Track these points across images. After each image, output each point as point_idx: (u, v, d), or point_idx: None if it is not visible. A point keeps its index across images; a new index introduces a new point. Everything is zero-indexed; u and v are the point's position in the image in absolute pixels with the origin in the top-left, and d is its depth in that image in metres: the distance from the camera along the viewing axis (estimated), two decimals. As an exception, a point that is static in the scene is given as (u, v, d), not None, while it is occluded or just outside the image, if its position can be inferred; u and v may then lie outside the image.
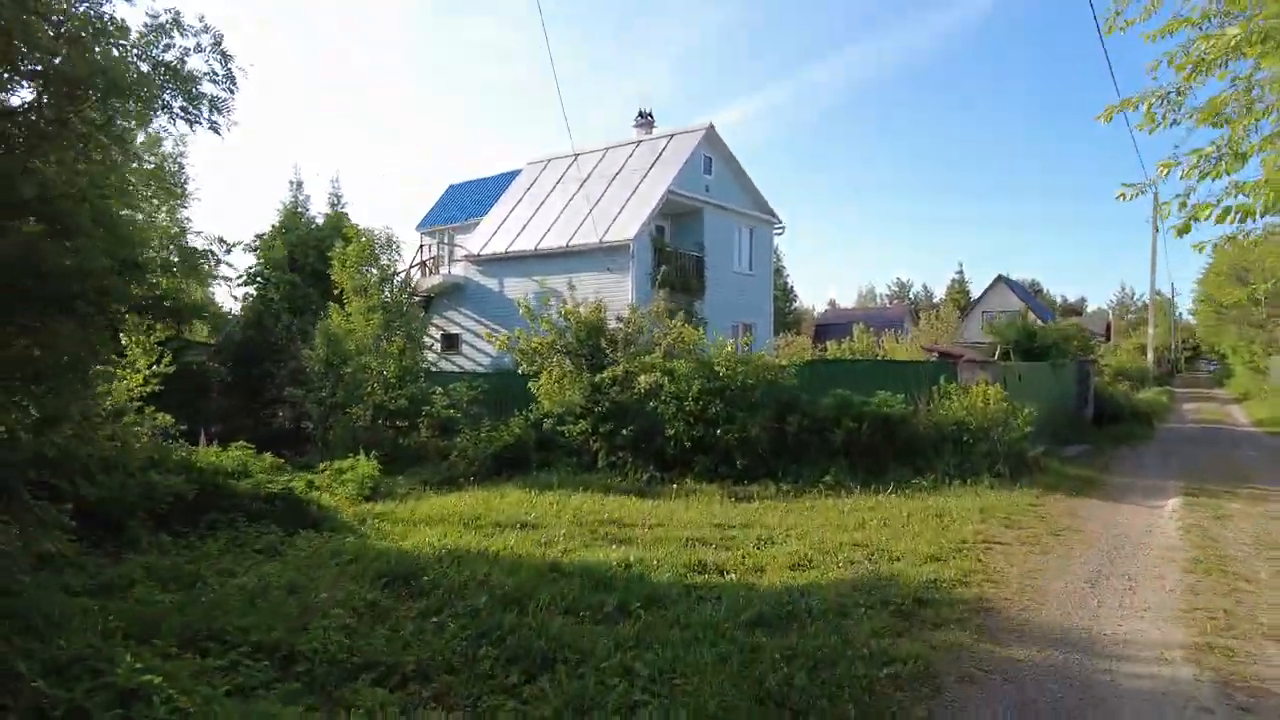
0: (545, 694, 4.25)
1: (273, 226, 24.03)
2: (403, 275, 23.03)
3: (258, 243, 23.53)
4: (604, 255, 21.74)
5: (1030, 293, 72.02)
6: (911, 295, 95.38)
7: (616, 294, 20.28)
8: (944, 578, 6.39)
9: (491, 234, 25.64)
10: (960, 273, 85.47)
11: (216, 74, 5.27)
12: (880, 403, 12.82)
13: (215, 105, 5.36)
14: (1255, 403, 31.06)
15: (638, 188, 22.91)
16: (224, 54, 5.27)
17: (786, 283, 64.88)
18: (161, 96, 5.20)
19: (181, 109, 5.30)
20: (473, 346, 25.20)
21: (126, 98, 5.05)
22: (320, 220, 25.14)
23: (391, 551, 7.64)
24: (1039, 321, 25.02)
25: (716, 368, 12.98)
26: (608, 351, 14.00)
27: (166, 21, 5.41)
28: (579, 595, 6.06)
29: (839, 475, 12.07)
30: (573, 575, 6.67)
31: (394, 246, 17.90)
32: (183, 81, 5.22)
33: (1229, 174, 5.84)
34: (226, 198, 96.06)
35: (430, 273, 27.38)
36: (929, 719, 4.05)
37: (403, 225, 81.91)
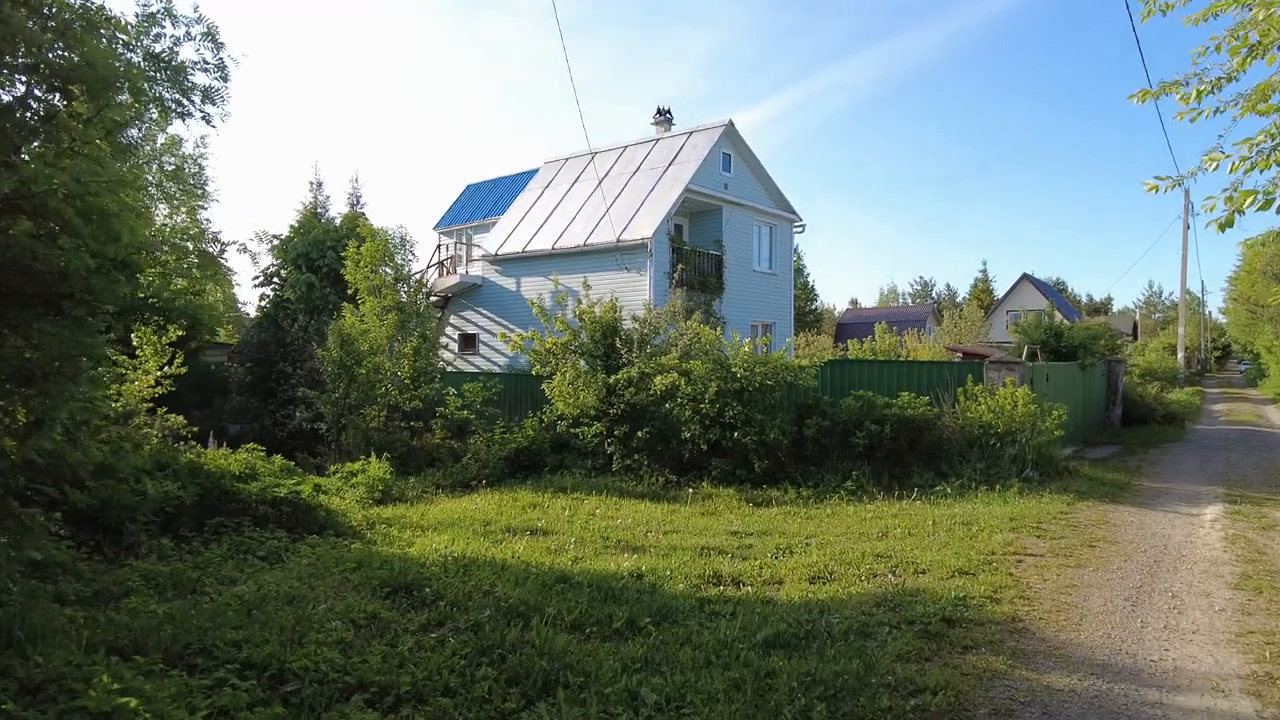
0: (543, 721, 3.98)
1: (291, 227, 24.02)
2: (418, 275, 22.91)
3: (275, 243, 23.53)
4: (621, 254, 21.46)
5: (1055, 291, 70.83)
6: (934, 294, 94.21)
7: (634, 293, 20.01)
8: (973, 594, 6.02)
9: (508, 233, 25.46)
10: (984, 271, 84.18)
11: (207, 63, 5.07)
12: (904, 404, 12.43)
13: (208, 95, 5.14)
14: (1292, 404, 30.12)
15: (655, 186, 22.61)
16: (216, 42, 5.06)
17: (807, 282, 64.25)
18: (154, 88, 4.98)
19: (174, 101, 5.09)
20: (490, 346, 25.04)
21: (116, 90, 4.84)
22: (339, 221, 25.14)
23: (396, 559, 7.40)
24: (1065, 321, 24.41)
25: (734, 368, 12.64)
26: (623, 352, 13.71)
27: (158, 11, 5.19)
28: (587, 609, 5.78)
29: (861, 480, 11.70)
30: (581, 586, 6.39)
31: (408, 245, 17.73)
32: (174, 73, 4.99)
33: (1280, 165, 5.42)
34: (251, 198, 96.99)
35: (448, 272, 27.26)
36: (961, 756, 3.72)
37: (421, 225, 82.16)
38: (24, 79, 5.06)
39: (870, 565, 7.06)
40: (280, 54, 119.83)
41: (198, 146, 28.30)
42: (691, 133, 24.28)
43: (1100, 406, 21.17)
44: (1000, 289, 72.22)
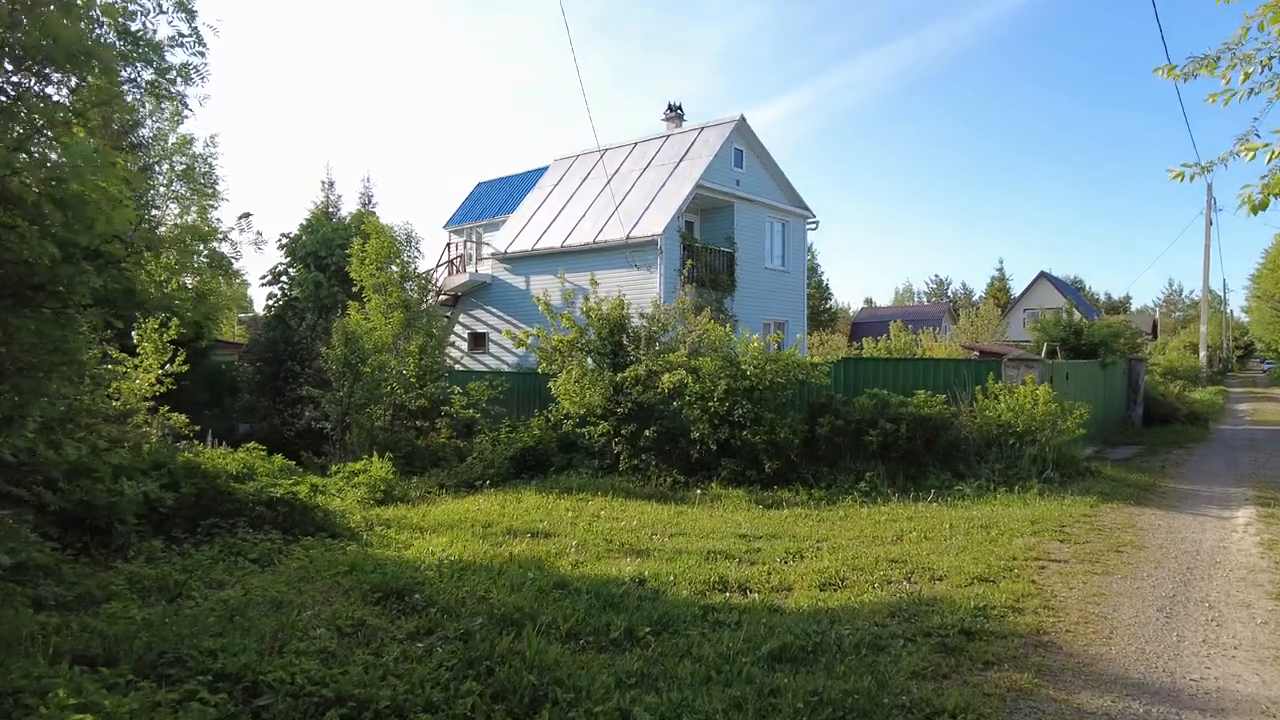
0: (528, 742, 3.68)
1: (300, 225, 23.91)
2: (425, 272, 22.72)
3: (284, 241, 23.42)
4: (631, 252, 21.16)
5: (1074, 289, 69.90)
6: (950, 293, 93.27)
7: (644, 291, 19.70)
8: (994, 603, 5.65)
9: (518, 231, 25.23)
10: (1000, 269, 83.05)
11: (183, 35, 4.79)
12: (919, 403, 12.05)
13: (184, 74, 4.88)
14: (1320, 404, 29.35)
15: (666, 182, 22.30)
16: (188, 10, 4.79)
17: (822, 281, 63.75)
18: (129, 68, 4.73)
19: (150, 83, 4.83)
20: (500, 345, 24.81)
21: (85, 70, 4.60)
22: (349, 220, 25.02)
23: (390, 563, 7.14)
24: (1084, 319, 23.90)
25: (743, 366, 12.31)
26: (630, 350, 13.41)
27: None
28: (584, 617, 5.49)
29: (875, 481, 11.34)
30: (580, 592, 6.09)
31: (414, 243, 17.51)
32: (149, 50, 4.73)
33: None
34: (265, 199, 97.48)
35: (458, 271, 27.08)
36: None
37: (433, 224, 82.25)
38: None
39: (884, 571, 6.71)
40: (292, 56, 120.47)
41: (207, 146, 28.20)
42: (703, 128, 23.94)
43: (1121, 406, 20.66)
44: (1017, 287, 71.38)
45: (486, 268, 26.20)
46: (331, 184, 28.10)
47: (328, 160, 73.17)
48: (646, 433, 12.65)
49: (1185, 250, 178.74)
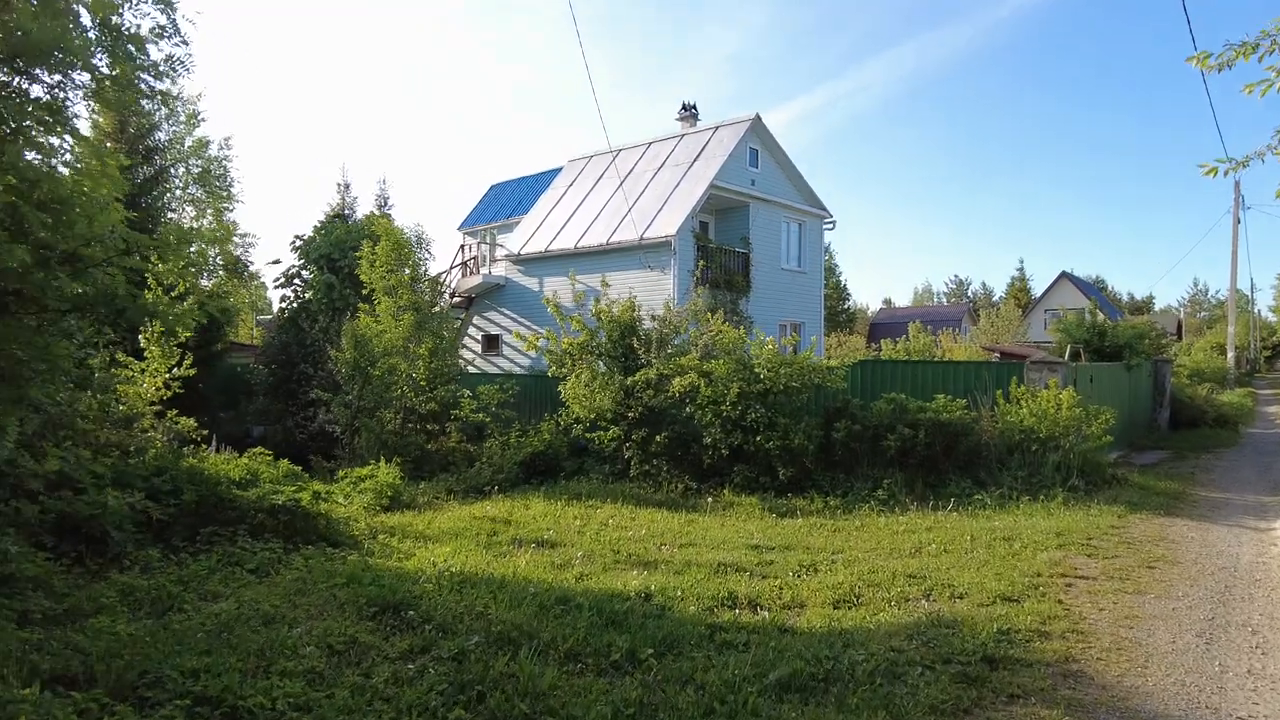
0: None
1: (314, 227, 23.86)
2: (437, 274, 22.59)
3: (297, 243, 23.38)
4: (645, 253, 20.91)
5: (1096, 289, 68.84)
6: (970, 293, 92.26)
7: (657, 293, 19.44)
8: (1018, 625, 5.32)
9: (532, 233, 25.06)
10: (1021, 270, 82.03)
11: (163, 28, 4.57)
12: (939, 407, 11.70)
13: (160, 71, 4.68)
14: (1355, 407, 28.50)
15: (680, 182, 22.02)
16: (166, 1, 4.58)
17: (839, 282, 63.14)
18: (101, 57, 4.53)
19: (124, 80, 4.62)
20: (513, 348, 24.63)
21: (58, 66, 4.41)
22: (362, 221, 24.96)
23: (389, 574, 6.93)
24: (1108, 319, 23.34)
25: (757, 369, 12.00)
26: (640, 353, 13.14)
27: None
28: (585, 636, 5.23)
29: (892, 489, 11.00)
30: (582, 609, 5.84)
31: (424, 244, 17.35)
32: (131, 43, 4.53)
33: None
34: (280, 201, 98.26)
35: (471, 273, 26.95)
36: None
37: (448, 226, 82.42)
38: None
39: (901, 587, 6.40)
40: (307, 59, 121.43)
41: (222, 149, 28.28)
42: (717, 127, 23.64)
43: (1147, 409, 20.12)
44: (1038, 288, 70.40)
45: (500, 269, 26.06)
46: (347, 186, 28.09)
47: (343, 163, 73.45)
48: (658, 438, 12.38)
49: (1211, 250, 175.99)
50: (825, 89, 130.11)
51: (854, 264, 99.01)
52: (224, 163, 27.99)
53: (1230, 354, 39.69)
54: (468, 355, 25.72)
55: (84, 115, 11.38)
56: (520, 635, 5.24)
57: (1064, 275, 62.80)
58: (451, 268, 27.67)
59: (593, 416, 13.04)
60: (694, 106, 25.52)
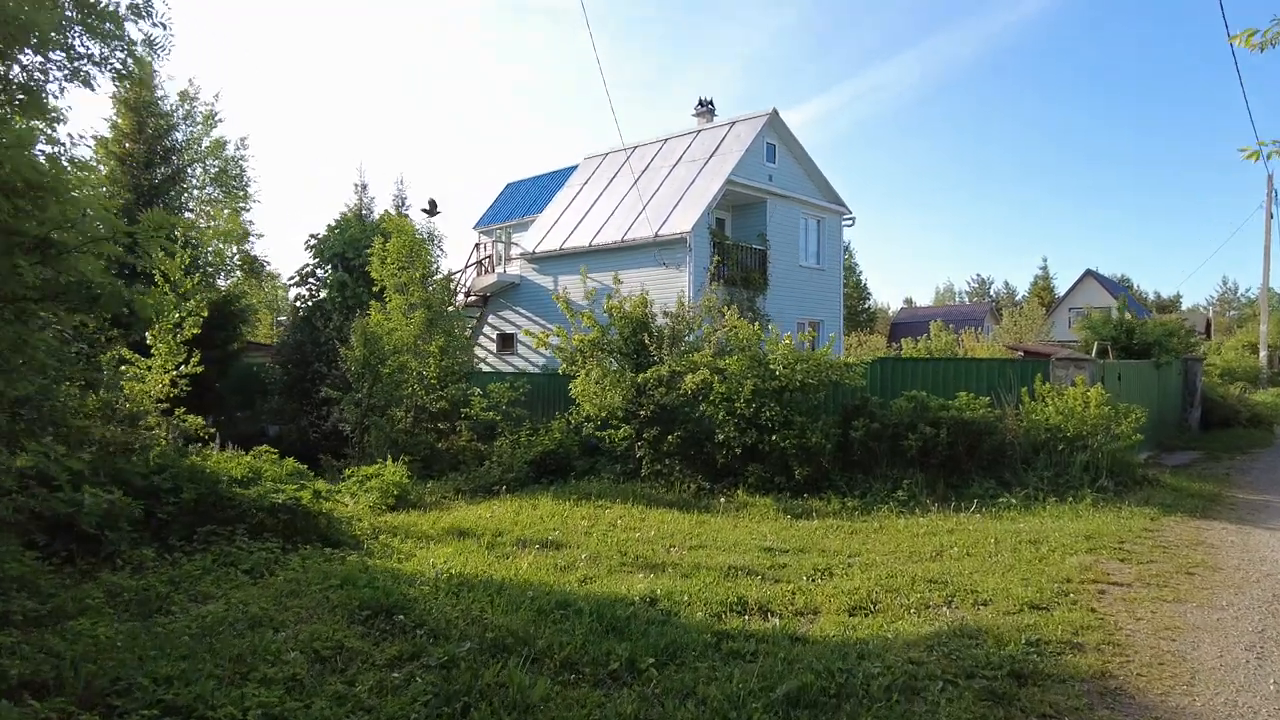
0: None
1: (328, 226, 23.81)
2: (450, 272, 22.42)
3: (312, 242, 23.33)
4: (660, 250, 20.60)
5: (1122, 287, 67.54)
6: (992, 292, 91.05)
7: (673, 290, 19.10)
8: (1048, 636, 4.93)
9: (547, 231, 24.85)
10: (1044, 268, 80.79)
11: (139, 6, 4.35)
12: (961, 406, 11.28)
13: (134, 53, 4.45)
14: (1396, 407, 27.48)
15: (696, 178, 21.69)
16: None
17: (860, 280, 62.48)
18: (76, 37, 4.32)
19: (101, 57, 4.41)
20: (527, 346, 24.42)
21: (33, 45, 4.20)
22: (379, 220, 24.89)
23: (386, 577, 6.67)
24: (1135, 317, 22.71)
25: (772, 366, 11.65)
26: (652, 349, 12.83)
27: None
28: (584, 643, 4.94)
29: (913, 489, 10.61)
30: (583, 614, 5.54)
31: (436, 241, 17.16)
32: (108, 19, 4.31)
33: None
34: (298, 201, 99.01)
35: (486, 271, 26.81)
36: None
37: (464, 225, 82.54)
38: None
39: (921, 593, 6.04)
40: (306, 59, 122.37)
41: (238, 149, 28.34)
42: (734, 123, 23.26)
43: (1177, 408, 19.48)
44: (1062, 286, 69.31)
45: (515, 268, 25.89)
46: (364, 186, 28.07)
47: (360, 163, 73.68)
48: (670, 436, 12.07)
49: (1241, 248, 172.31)
50: (839, 90, 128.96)
51: (875, 264, 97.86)
52: (240, 161, 28.05)
53: (1263, 353, 38.62)
54: (482, 354, 25.56)
55: (92, 114, 11.27)
56: (515, 642, 4.96)
57: (1089, 273, 61.72)
58: (466, 266, 27.54)
59: (604, 414, 12.75)
60: (710, 102, 25.18)
